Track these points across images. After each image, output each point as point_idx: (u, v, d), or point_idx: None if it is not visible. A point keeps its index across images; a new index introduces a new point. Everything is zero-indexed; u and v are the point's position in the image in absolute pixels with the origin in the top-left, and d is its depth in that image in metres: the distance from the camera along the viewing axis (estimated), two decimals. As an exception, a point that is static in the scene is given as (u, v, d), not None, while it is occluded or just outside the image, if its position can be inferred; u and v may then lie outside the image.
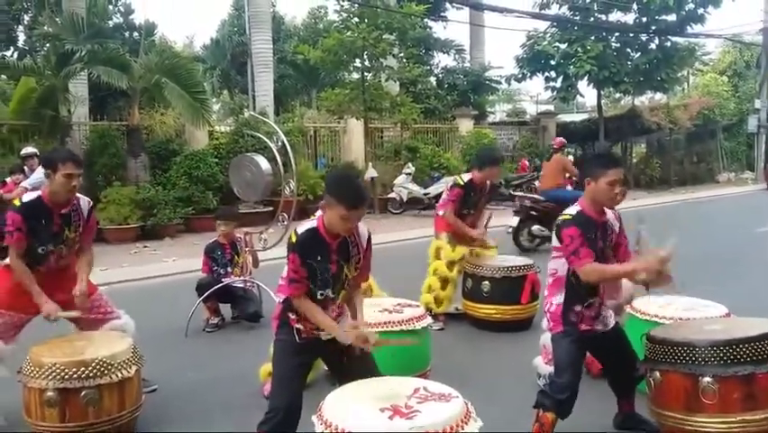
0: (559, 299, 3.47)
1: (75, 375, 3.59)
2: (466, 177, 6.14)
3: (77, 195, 4.09)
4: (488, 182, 6.20)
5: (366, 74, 16.30)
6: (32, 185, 9.37)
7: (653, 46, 21.78)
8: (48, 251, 4.02)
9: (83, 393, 3.60)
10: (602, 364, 3.87)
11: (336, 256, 3.01)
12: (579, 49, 20.57)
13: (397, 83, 17.91)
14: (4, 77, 16.60)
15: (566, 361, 3.40)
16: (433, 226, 6.48)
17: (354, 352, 3.05)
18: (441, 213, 6.24)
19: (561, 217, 3.46)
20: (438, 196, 15.28)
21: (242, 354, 5.43)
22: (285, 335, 3.12)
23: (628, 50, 21.91)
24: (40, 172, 9.50)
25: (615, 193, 3.41)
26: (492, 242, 6.49)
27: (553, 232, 3.49)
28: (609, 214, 3.55)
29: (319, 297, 3.03)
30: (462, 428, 2.45)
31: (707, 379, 2.93)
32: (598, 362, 3.90)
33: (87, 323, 4.21)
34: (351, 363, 3.05)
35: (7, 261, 4.08)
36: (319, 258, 2.98)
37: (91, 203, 4.20)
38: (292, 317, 3.09)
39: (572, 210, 3.45)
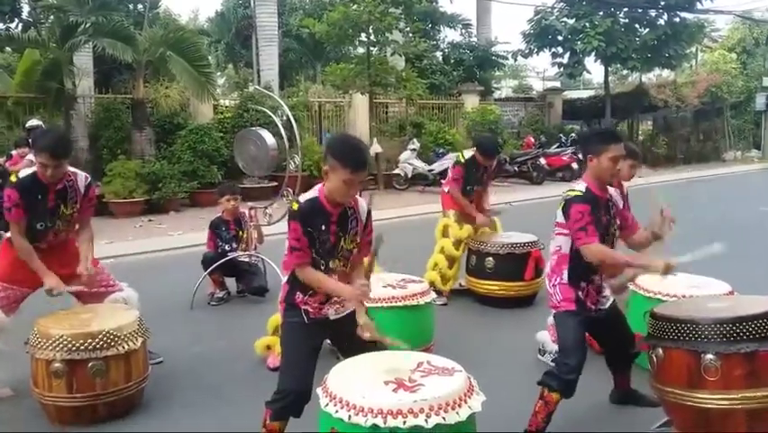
0: (564, 276, 3.47)
1: (82, 347, 3.64)
2: (468, 153, 6.14)
3: (74, 171, 4.09)
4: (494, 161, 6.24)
5: (371, 48, 16.18)
6: (38, 158, 9.40)
7: (661, 22, 21.52)
8: (46, 227, 4.04)
9: (90, 365, 3.65)
10: (599, 343, 3.88)
11: (336, 227, 3.00)
12: (586, 24, 20.35)
13: (403, 58, 17.76)
14: (8, 49, 16.51)
15: (573, 340, 3.40)
16: (440, 203, 6.49)
17: (353, 329, 3.04)
18: (446, 190, 6.29)
19: (569, 193, 3.43)
20: (443, 172, 15.28)
21: (246, 327, 5.47)
22: (293, 317, 3.10)
23: (636, 25, 21.66)
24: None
25: (617, 169, 3.39)
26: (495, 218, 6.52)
27: (560, 208, 3.46)
28: (612, 191, 3.54)
29: (321, 266, 3.02)
30: (465, 402, 2.48)
31: (709, 356, 2.93)
32: (595, 340, 3.91)
33: (90, 296, 4.25)
34: (359, 343, 3.03)
35: (8, 235, 4.11)
36: (321, 227, 2.97)
37: (89, 178, 4.18)
38: (299, 298, 3.08)
39: (581, 187, 3.42)
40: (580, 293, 3.45)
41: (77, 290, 4.14)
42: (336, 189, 2.91)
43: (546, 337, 4.55)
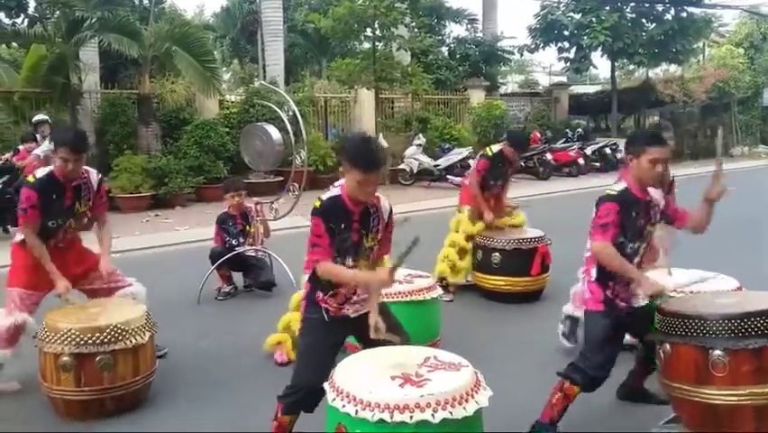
0: (593, 275, 3.45)
1: (90, 341, 3.65)
2: (496, 148, 6.19)
3: (87, 168, 4.12)
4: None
5: (377, 43, 16.15)
6: (44, 152, 9.41)
7: (668, 17, 21.44)
8: (57, 225, 4.08)
9: (98, 358, 3.67)
10: (638, 338, 3.75)
11: (358, 225, 3.01)
12: (593, 19, 20.29)
13: (409, 53, 17.73)
14: (14, 44, 16.55)
15: (598, 339, 3.37)
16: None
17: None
18: (467, 182, 6.39)
19: (606, 191, 3.41)
20: (448, 168, 15.33)
21: (253, 322, 5.48)
22: (313, 313, 3.10)
23: (643, 20, 21.59)
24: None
25: (657, 172, 3.33)
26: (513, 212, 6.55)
27: (595, 205, 3.42)
28: (653, 192, 3.45)
29: (337, 262, 3.02)
30: (472, 397, 2.47)
31: (717, 352, 2.93)
32: (633, 337, 3.81)
33: (100, 291, 4.28)
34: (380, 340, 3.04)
35: (19, 238, 4.15)
36: (342, 225, 2.98)
37: (100, 175, 4.25)
38: (320, 296, 3.09)
39: (618, 186, 3.40)
40: (608, 292, 3.41)
41: (90, 288, 4.23)
42: (352, 189, 2.93)
43: (571, 309, 4.56)
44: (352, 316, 3.11)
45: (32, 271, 4.08)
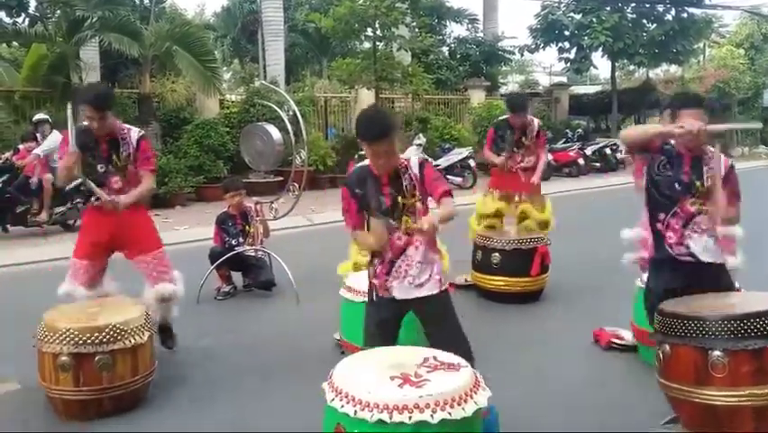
0: (645, 214, 3.59)
1: (89, 340, 3.65)
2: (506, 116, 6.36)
3: (128, 126, 4.35)
4: (534, 121, 6.27)
5: (377, 43, 16.14)
6: (45, 152, 9.43)
7: (669, 17, 21.45)
8: (105, 171, 4.29)
9: (96, 358, 3.66)
10: None
11: (389, 189, 3.09)
12: (594, 19, 20.30)
13: (409, 53, 17.73)
14: (15, 43, 16.55)
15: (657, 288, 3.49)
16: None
17: (435, 319, 3.12)
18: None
19: None
20: (449, 168, 15.32)
21: (253, 321, 5.48)
22: (367, 296, 3.29)
23: (644, 21, 21.61)
24: (52, 139, 9.55)
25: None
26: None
27: None
28: (712, 153, 3.47)
29: None
30: (471, 397, 2.47)
31: (716, 353, 2.92)
32: None
33: (143, 271, 4.41)
34: (432, 330, 3.13)
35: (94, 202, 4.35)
36: (371, 189, 3.10)
37: (141, 132, 4.38)
38: (371, 272, 3.21)
39: None
40: (659, 228, 3.48)
41: (133, 261, 4.38)
42: (371, 161, 3.07)
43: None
44: (397, 297, 3.13)
45: (86, 243, 4.35)
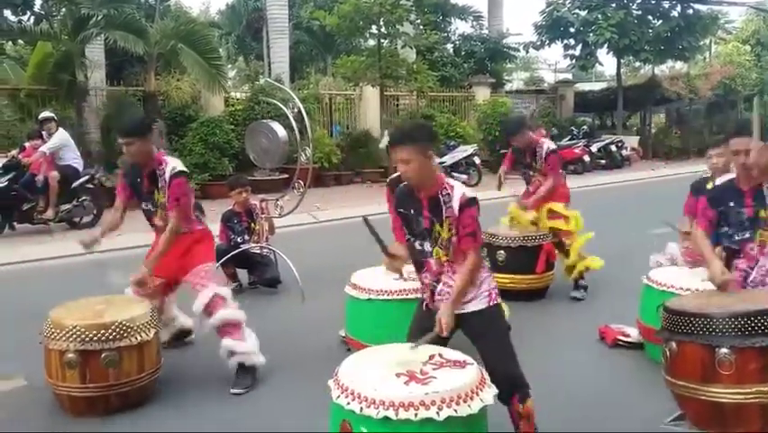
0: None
1: (95, 337, 3.66)
2: None
3: (168, 159, 4.15)
4: (543, 144, 5.99)
5: (382, 41, 16.13)
6: (51, 149, 9.45)
7: (675, 13, 21.35)
8: (148, 209, 4.25)
9: (103, 355, 3.67)
10: None
11: (428, 213, 2.98)
12: (599, 16, 20.21)
13: (414, 50, 17.70)
14: (21, 41, 16.59)
15: None
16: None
17: (478, 335, 3.02)
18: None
19: None
20: (454, 165, 15.30)
21: (258, 318, 5.46)
22: (420, 298, 3.20)
23: (650, 17, 21.50)
24: (58, 136, 9.58)
25: (741, 162, 3.50)
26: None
27: None
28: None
29: (417, 246, 3.05)
30: (477, 395, 2.47)
31: (723, 350, 2.92)
32: None
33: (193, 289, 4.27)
34: (478, 346, 3.03)
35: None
36: (412, 211, 3.03)
37: (175, 169, 4.09)
38: (420, 285, 3.16)
39: (725, 177, 3.70)
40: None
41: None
42: None
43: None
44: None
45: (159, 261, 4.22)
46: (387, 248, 2.98)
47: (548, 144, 6.03)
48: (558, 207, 6.06)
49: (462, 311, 2.98)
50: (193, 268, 4.22)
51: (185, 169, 4.17)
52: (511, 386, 2.90)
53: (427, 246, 3.02)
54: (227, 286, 4.51)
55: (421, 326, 3.06)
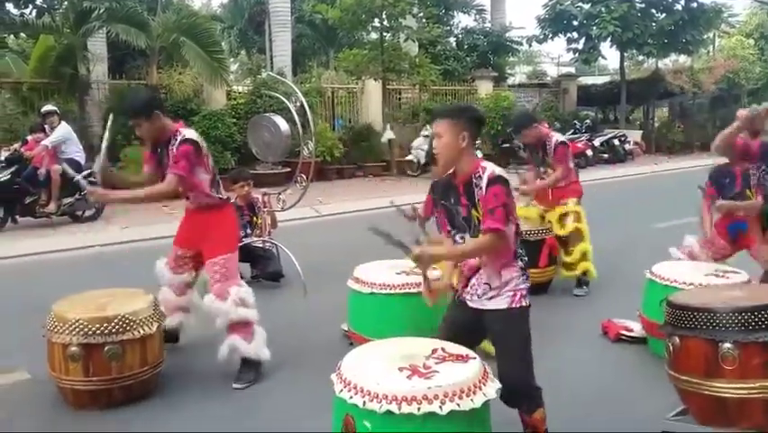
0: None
1: (98, 331, 3.67)
2: None
3: (181, 129, 4.14)
4: (552, 137, 5.90)
5: (384, 34, 16.09)
6: (53, 143, 9.45)
7: (678, 7, 21.28)
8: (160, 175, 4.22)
9: (106, 348, 3.68)
10: None
11: (465, 200, 2.89)
12: (602, 9, 20.15)
13: (416, 44, 17.67)
14: (23, 35, 16.58)
15: None
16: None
17: (497, 334, 2.97)
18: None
19: None
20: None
21: (261, 313, 5.45)
22: (454, 290, 3.13)
23: (653, 10, 21.43)
24: (60, 130, 9.57)
25: None
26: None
27: None
28: None
29: (458, 240, 2.97)
30: (480, 389, 2.47)
31: (727, 345, 2.90)
32: None
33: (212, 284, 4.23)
34: (495, 346, 3.00)
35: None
36: (452, 200, 2.95)
37: (185, 136, 4.08)
38: (457, 278, 3.12)
39: None
40: None
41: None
42: None
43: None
44: (470, 304, 2.99)
45: (180, 227, 4.39)
46: (408, 247, 2.87)
47: (557, 137, 5.97)
48: (571, 203, 6.01)
49: (483, 307, 2.95)
50: (211, 257, 4.17)
51: (193, 137, 4.10)
52: (518, 393, 2.86)
53: (468, 237, 2.93)
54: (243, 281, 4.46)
55: (453, 316, 3.07)
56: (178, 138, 4.07)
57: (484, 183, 2.81)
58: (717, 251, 4.86)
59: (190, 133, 4.13)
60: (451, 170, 2.95)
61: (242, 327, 4.14)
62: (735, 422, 2.97)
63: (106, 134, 4.32)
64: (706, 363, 2.98)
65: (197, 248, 4.30)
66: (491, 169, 2.85)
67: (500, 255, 2.90)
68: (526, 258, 3.03)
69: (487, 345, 3.24)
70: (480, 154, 7.11)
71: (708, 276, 4.25)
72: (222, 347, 4.13)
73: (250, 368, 4.14)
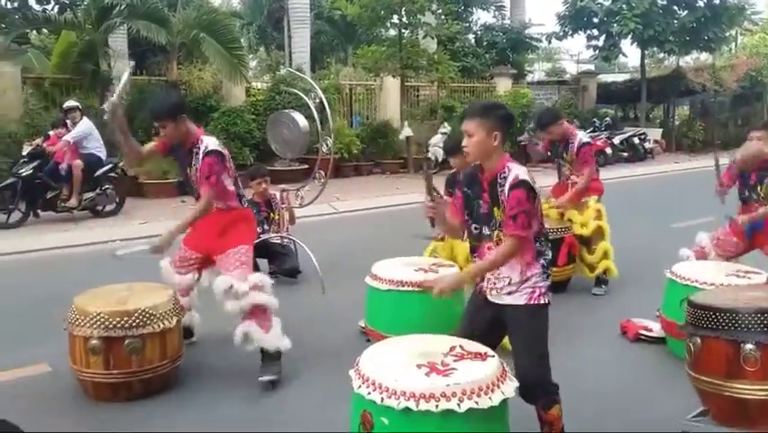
0: None
1: (119, 324, 3.71)
2: None
3: (203, 137, 4.17)
4: (577, 135, 5.85)
5: (403, 31, 16.07)
6: (75, 138, 9.55)
7: (700, 4, 21.01)
8: (190, 186, 4.32)
9: (126, 342, 3.72)
10: None
11: (488, 197, 2.92)
12: (623, 6, 19.96)
13: (435, 40, 17.60)
14: (45, 31, 16.75)
15: None
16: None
17: (513, 330, 2.98)
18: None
19: None
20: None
21: (278, 308, 5.50)
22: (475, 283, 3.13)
23: (675, 7, 21.18)
24: (82, 125, 9.67)
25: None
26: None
27: None
28: None
29: (474, 230, 3.01)
30: (498, 387, 2.46)
31: (749, 346, 2.87)
32: None
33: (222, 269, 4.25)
34: (511, 342, 3.01)
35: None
36: (474, 192, 2.99)
37: (208, 148, 4.09)
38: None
39: None
40: None
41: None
42: None
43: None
44: (489, 298, 3.00)
45: (192, 232, 4.33)
46: (436, 198, 3.01)
47: (581, 136, 5.91)
48: (591, 200, 5.96)
49: (501, 302, 2.96)
50: (228, 248, 4.17)
51: (218, 148, 4.14)
52: (534, 390, 2.86)
53: (486, 230, 2.96)
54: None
55: (473, 308, 3.09)
56: (201, 148, 4.11)
57: (507, 186, 2.83)
58: (727, 249, 4.84)
59: (212, 144, 4.16)
60: (477, 163, 2.97)
61: (260, 312, 4.08)
62: (756, 424, 2.93)
63: (125, 77, 4.53)
64: (727, 364, 2.95)
65: (206, 251, 4.31)
66: (516, 172, 2.84)
67: (522, 255, 2.91)
68: (550, 256, 3.04)
69: (505, 342, 3.23)
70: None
71: (730, 276, 4.21)
72: (236, 331, 4.05)
73: (273, 359, 4.11)
